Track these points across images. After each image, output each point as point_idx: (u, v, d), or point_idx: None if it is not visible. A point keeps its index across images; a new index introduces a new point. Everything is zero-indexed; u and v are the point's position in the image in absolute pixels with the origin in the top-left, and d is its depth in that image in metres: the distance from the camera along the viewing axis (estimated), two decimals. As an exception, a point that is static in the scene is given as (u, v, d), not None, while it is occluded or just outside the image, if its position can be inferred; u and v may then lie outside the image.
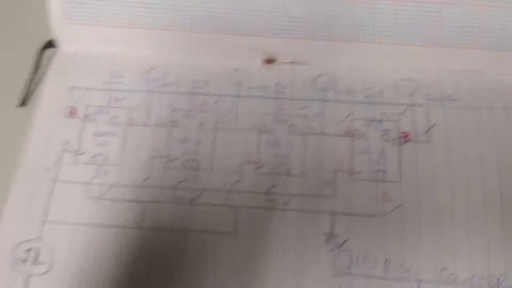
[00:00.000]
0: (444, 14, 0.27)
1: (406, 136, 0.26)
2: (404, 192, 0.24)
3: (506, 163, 0.25)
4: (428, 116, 0.26)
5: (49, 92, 0.27)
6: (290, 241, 0.23)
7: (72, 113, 0.26)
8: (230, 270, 0.23)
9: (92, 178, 0.25)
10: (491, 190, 0.24)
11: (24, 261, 0.23)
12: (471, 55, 0.27)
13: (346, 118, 0.26)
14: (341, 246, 0.23)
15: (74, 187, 0.25)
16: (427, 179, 0.25)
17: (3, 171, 0.25)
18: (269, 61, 0.28)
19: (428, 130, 0.26)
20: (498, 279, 0.22)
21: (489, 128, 0.26)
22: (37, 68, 0.28)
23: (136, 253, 0.23)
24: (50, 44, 0.29)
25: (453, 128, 0.26)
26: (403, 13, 0.27)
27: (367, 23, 0.27)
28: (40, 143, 0.25)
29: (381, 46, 0.27)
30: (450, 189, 0.24)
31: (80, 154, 0.25)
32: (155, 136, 0.26)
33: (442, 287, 0.22)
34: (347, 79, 0.27)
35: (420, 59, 0.28)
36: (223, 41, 0.28)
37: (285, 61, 0.28)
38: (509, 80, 0.27)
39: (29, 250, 0.23)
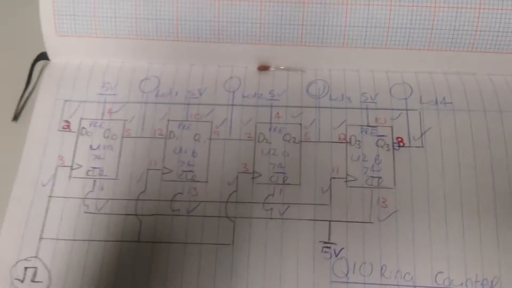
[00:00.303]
0: (437, 17, 0.27)
1: (400, 141, 0.26)
2: (399, 198, 0.25)
3: (500, 166, 0.25)
4: (422, 120, 0.26)
5: (42, 106, 0.27)
6: (287, 250, 0.24)
7: (66, 127, 0.26)
8: (228, 280, 0.23)
9: (88, 193, 0.25)
10: (485, 193, 0.24)
11: (22, 280, 0.23)
12: (464, 57, 0.27)
13: (340, 124, 0.26)
14: (338, 254, 0.23)
15: (70, 202, 0.25)
16: (422, 184, 0.25)
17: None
18: (263, 68, 0.28)
19: (422, 135, 0.26)
20: (492, 282, 0.23)
21: (483, 130, 0.26)
22: (30, 81, 0.28)
23: (134, 267, 0.23)
24: (42, 57, 0.28)
25: (447, 132, 0.26)
26: (396, 17, 0.27)
27: (360, 28, 0.27)
28: (35, 158, 0.25)
29: (375, 50, 0.27)
30: (444, 193, 0.25)
31: (75, 168, 0.25)
32: (151, 148, 0.26)
33: None
34: (341, 85, 0.27)
35: (413, 63, 0.28)
36: (216, 50, 0.28)
37: (279, 68, 0.28)
38: (503, 82, 0.28)
39: (26, 268, 0.23)
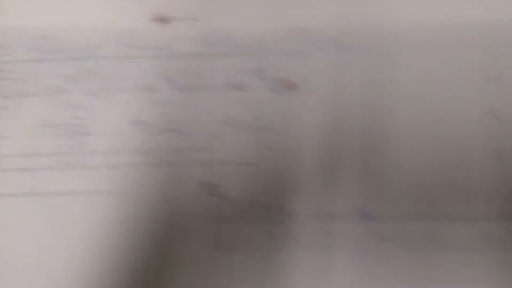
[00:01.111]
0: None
1: (292, 85, 0.26)
2: (287, 141, 0.25)
3: (375, 106, 0.25)
4: (317, 63, 0.26)
5: None
6: (173, 194, 0.24)
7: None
8: (117, 231, 0.24)
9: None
10: (372, 134, 0.25)
11: None
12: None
13: (234, 70, 0.27)
14: (222, 195, 0.24)
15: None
16: (311, 128, 0.25)
17: None
18: (160, 20, 0.28)
19: (315, 78, 0.26)
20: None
21: (378, 70, 0.26)
22: None
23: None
24: None
25: (340, 74, 0.26)
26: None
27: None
28: None
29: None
30: (332, 136, 0.25)
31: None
32: (48, 105, 0.26)
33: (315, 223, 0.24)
34: (236, 32, 0.27)
35: (312, 5, 0.27)
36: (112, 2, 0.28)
37: (176, 18, 0.28)
38: (392, 20, 0.27)
39: None
